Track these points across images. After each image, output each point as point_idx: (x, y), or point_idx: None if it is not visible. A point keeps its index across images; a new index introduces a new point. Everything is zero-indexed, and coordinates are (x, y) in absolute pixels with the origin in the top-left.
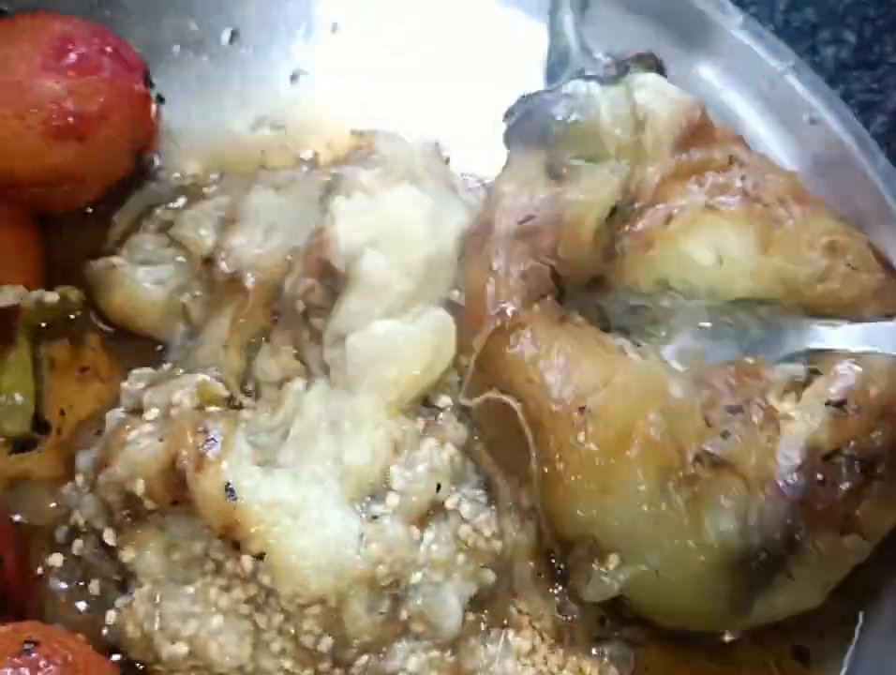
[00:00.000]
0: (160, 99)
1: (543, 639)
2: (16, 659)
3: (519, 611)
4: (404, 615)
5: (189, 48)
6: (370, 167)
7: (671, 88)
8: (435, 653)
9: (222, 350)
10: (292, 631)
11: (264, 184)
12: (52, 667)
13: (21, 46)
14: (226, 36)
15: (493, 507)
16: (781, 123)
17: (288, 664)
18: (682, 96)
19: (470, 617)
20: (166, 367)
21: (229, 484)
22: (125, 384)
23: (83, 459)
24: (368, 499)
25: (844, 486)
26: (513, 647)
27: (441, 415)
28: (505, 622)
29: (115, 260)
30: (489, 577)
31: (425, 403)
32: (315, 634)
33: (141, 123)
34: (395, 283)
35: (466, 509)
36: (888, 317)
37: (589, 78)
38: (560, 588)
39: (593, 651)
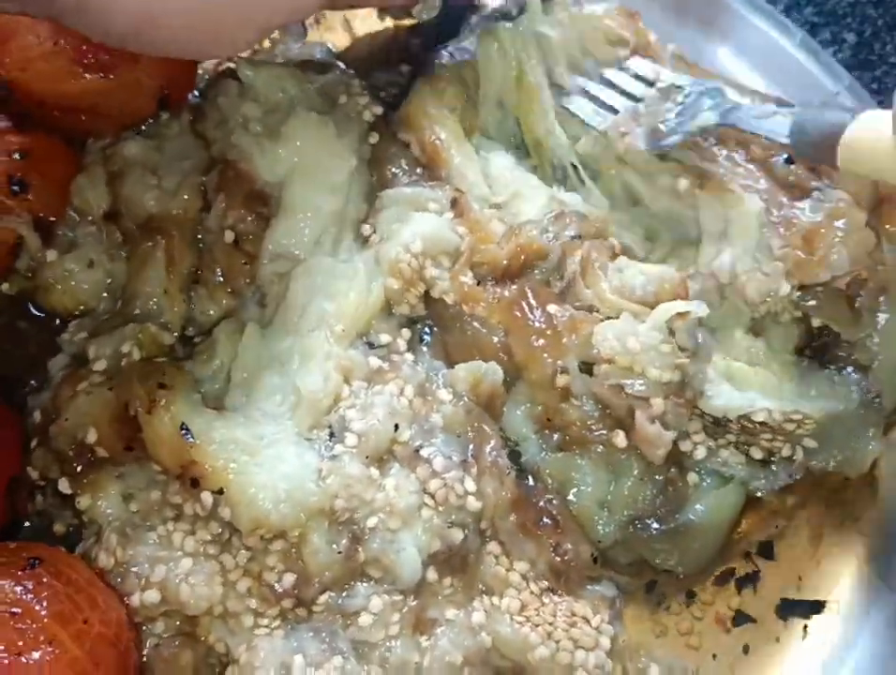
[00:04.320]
0: None
1: (532, 593)
2: (20, 572)
3: (507, 569)
4: (362, 556)
5: None
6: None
7: None
8: (398, 597)
9: (163, 295)
10: (257, 569)
11: (130, 134)
12: (55, 582)
13: None
14: None
15: (473, 467)
16: None
17: (254, 603)
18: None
19: (446, 581)
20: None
21: (184, 424)
22: (64, 335)
23: (32, 407)
24: (328, 438)
25: None
26: (503, 609)
27: (394, 356)
28: (482, 588)
29: (48, 254)
30: (456, 535)
31: (370, 345)
32: (278, 571)
33: (173, 71)
34: (325, 203)
35: (439, 463)
36: None
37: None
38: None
39: (587, 587)
